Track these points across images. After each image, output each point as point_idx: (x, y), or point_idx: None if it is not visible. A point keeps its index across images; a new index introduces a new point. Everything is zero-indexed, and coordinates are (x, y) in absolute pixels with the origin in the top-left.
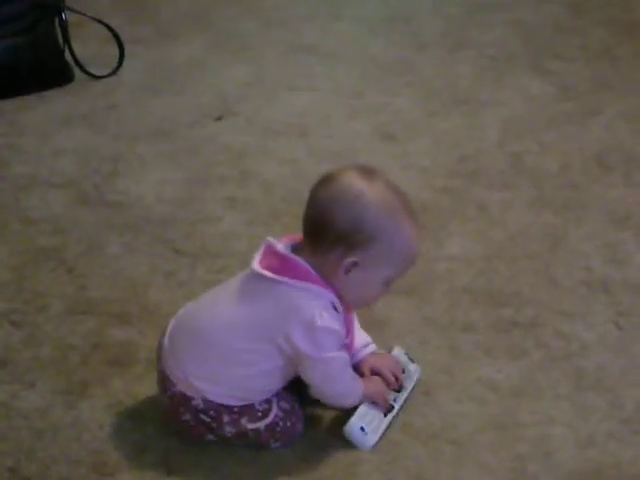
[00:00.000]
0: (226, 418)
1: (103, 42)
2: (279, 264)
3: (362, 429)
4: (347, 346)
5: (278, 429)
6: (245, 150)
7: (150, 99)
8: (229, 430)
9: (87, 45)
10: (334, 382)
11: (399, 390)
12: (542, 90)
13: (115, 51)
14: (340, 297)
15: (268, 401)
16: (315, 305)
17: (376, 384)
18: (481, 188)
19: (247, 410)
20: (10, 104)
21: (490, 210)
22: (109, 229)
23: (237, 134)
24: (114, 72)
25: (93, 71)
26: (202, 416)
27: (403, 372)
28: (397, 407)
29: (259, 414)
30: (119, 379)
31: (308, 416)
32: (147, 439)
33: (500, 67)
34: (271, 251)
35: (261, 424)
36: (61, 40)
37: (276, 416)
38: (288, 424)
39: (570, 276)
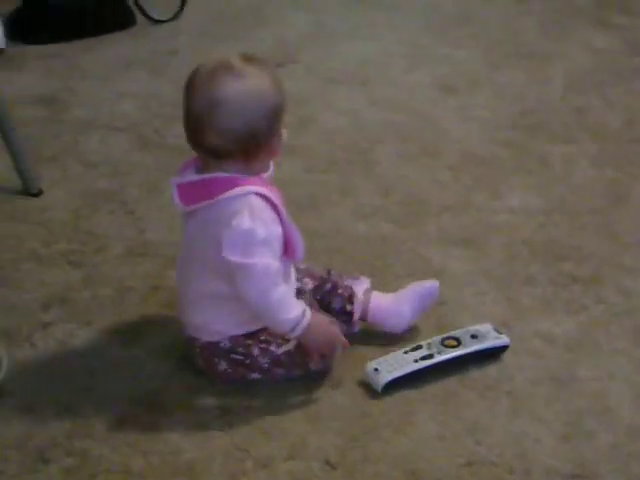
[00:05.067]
0: (256, 350)
1: None
2: (200, 190)
3: (376, 370)
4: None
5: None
6: (305, 98)
7: (210, 44)
8: (264, 361)
9: None
10: (245, 291)
11: (456, 345)
12: (608, 45)
13: None
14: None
15: None
16: (235, 209)
17: (325, 329)
18: (543, 142)
19: (272, 336)
20: (71, 47)
21: (552, 164)
22: (168, 172)
23: (297, 82)
24: (175, 17)
25: (155, 16)
26: (234, 356)
27: (475, 337)
28: (439, 359)
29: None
30: (175, 321)
31: (357, 360)
32: (202, 380)
33: (565, 21)
34: (186, 186)
35: (289, 345)
36: None
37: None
38: None
39: (632, 232)
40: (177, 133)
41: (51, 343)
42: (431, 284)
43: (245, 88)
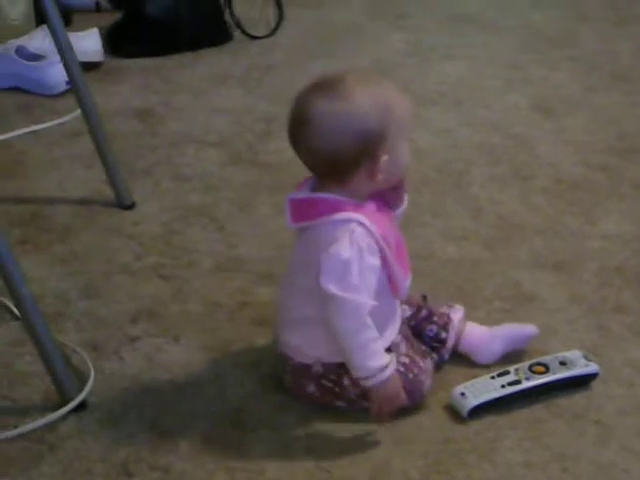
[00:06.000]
0: (346, 381)
1: (262, 3)
2: (306, 209)
3: (462, 394)
4: (397, 260)
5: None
6: None
7: (306, 61)
8: (353, 392)
9: (246, 5)
10: (333, 324)
11: (545, 371)
12: None
13: (274, 13)
14: (380, 199)
15: None
16: (335, 236)
17: (393, 392)
18: (639, 166)
19: None
20: (168, 61)
21: None
22: (260, 189)
23: None
24: (272, 33)
25: (251, 32)
26: (324, 382)
27: (564, 363)
28: (527, 385)
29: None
30: (263, 338)
31: (444, 384)
32: (287, 399)
33: None
34: (295, 203)
35: None
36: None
37: (395, 370)
38: (410, 376)
39: None
40: (270, 149)
41: (138, 357)
42: (530, 330)
43: (336, 109)
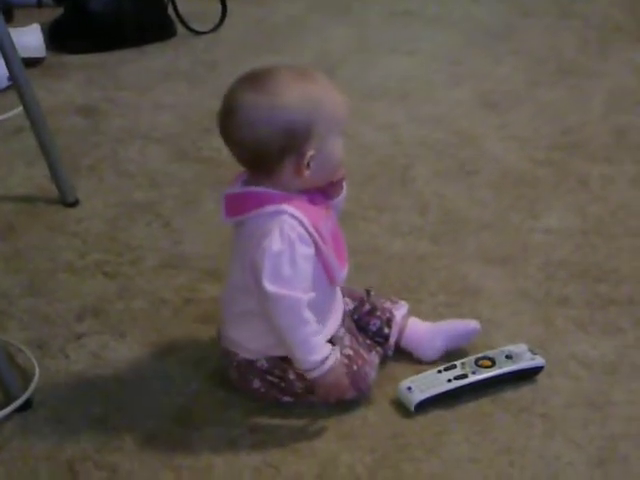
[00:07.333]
0: (292, 375)
1: None
2: (238, 204)
3: (409, 388)
4: (335, 254)
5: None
6: None
7: (250, 57)
8: (298, 386)
9: (190, 1)
10: (272, 320)
11: (491, 365)
12: None
13: (218, 8)
14: (316, 189)
15: None
16: (266, 229)
17: (336, 382)
18: (582, 161)
19: None
20: (111, 57)
21: (591, 184)
22: (205, 185)
23: None
24: (215, 29)
25: (195, 27)
26: (269, 377)
27: (509, 357)
28: (473, 379)
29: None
30: (208, 335)
31: (391, 379)
32: (232, 396)
33: (606, 38)
34: (229, 198)
35: None
36: None
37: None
38: (354, 368)
39: None
40: (215, 145)
41: (84, 355)
42: (473, 326)
43: (261, 101)
